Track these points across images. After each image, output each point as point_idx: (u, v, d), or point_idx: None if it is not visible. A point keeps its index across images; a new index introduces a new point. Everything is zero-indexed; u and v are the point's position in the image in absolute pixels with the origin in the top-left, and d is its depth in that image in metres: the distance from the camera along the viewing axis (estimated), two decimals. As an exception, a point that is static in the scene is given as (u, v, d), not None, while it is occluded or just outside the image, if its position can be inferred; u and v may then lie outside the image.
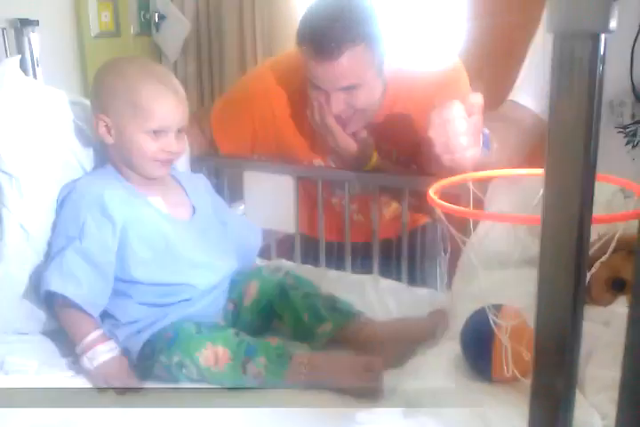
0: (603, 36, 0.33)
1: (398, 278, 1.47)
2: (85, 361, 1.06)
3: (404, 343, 1.05)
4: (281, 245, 1.72)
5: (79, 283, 1.07)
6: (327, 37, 1.19)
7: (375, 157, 1.40)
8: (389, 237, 1.59)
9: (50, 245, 1.15)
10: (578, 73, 0.33)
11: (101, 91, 1.17)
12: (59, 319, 1.12)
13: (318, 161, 1.53)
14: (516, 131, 1.21)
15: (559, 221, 0.37)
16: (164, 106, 1.12)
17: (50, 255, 1.12)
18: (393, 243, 1.59)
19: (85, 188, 1.15)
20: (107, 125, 1.15)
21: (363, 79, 1.25)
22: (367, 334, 1.10)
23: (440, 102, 1.03)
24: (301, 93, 1.41)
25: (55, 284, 1.07)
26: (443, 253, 1.71)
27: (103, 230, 1.09)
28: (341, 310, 1.14)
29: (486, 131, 1.05)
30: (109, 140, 1.16)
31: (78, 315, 1.08)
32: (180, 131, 1.16)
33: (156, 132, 1.13)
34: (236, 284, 1.21)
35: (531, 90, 1.21)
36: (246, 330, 1.11)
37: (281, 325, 1.17)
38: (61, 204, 1.16)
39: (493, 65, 2.00)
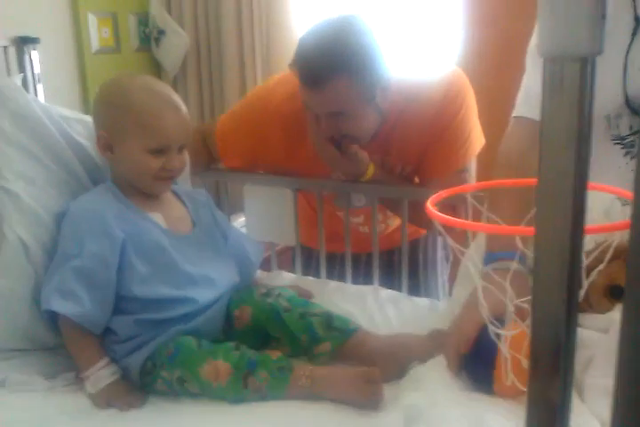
0: (592, 59, 0.34)
1: (401, 289, 1.48)
2: (88, 386, 1.06)
3: (401, 359, 1.06)
4: (282, 257, 1.74)
5: (79, 301, 1.06)
6: (313, 67, 1.23)
7: (372, 171, 1.42)
8: (394, 248, 1.60)
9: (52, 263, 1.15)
10: (568, 95, 0.35)
11: (103, 108, 1.18)
12: (63, 338, 1.12)
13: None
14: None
15: (551, 234, 0.38)
16: (166, 124, 1.13)
17: (49, 274, 1.12)
18: (396, 253, 1.60)
19: (84, 206, 1.15)
20: (108, 143, 1.16)
21: (349, 108, 1.28)
22: (366, 349, 1.10)
23: None
24: (299, 116, 1.43)
25: (55, 303, 1.06)
26: (445, 262, 1.73)
27: (103, 248, 1.09)
28: (339, 329, 1.14)
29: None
30: (110, 157, 1.18)
31: (82, 340, 1.08)
32: (181, 147, 1.17)
33: (158, 150, 1.13)
34: (231, 305, 1.21)
35: (534, 101, 1.22)
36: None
37: (278, 346, 1.17)
38: (61, 223, 1.16)
39: (495, 76, 2.02)
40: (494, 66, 2.10)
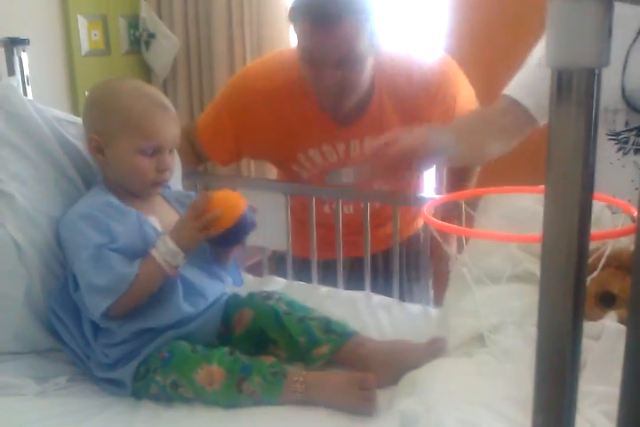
0: (599, 71, 0.35)
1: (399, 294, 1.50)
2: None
3: (398, 366, 1.06)
4: (272, 262, 1.73)
5: (132, 263, 1.06)
6: (328, 6, 1.25)
7: None
8: (388, 249, 1.61)
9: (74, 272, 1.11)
10: (576, 105, 0.36)
11: (93, 111, 1.18)
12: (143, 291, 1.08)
13: (313, 151, 1.54)
14: (497, 125, 1.25)
15: (559, 239, 0.39)
16: (156, 124, 1.13)
17: (88, 269, 1.05)
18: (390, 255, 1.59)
19: (90, 202, 1.14)
20: (99, 146, 1.16)
21: (356, 52, 1.29)
22: (363, 353, 1.10)
23: None
24: (279, 93, 1.44)
25: (129, 272, 1.04)
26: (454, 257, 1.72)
27: (131, 225, 1.10)
28: (336, 332, 1.14)
29: None
30: (102, 160, 1.17)
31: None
32: (171, 150, 1.17)
33: (150, 151, 1.13)
34: (228, 312, 1.21)
35: (525, 86, 1.23)
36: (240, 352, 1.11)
37: (276, 350, 1.17)
38: (66, 230, 1.13)
39: (481, 61, 2.03)
40: (480, 50, 2.10)
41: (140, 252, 1.08)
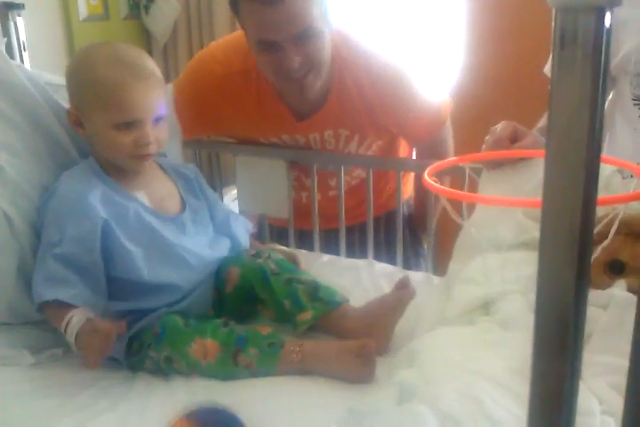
0: (608, 11, 0.31)
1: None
2: (70, 340, 1.00)
3: (384, 327, 1.06)
4: (271, 236, 1.70)
5: (71, 284, 1.02)
6: None
7: None
8: (390, 211, 1.59)
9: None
10: (582, 50, 0.31)
11: (70, 83, 1.12)
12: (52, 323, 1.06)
13: (273, 139, 1.50)
14: None
15: (562, 206, 0.35)
16: (131, 96, 1.05)
17: (36, 266, 1.07)
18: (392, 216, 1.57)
19: (65, 191, 1.09)
20: (78, 119, 1.11)
21: (314, 24, 1.21)
22: (344, 325, 1.08)
23: None
24: (236, 80, 1.39)
25: (47, 292, 1.02)
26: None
27: (83, 231, 1.04)
28: (323, 300, 1.11)
29: None
30: (83, 133, 1.13)
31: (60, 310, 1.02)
32: (157, 119, 1.10)
33: (128, 125, 1.07)
34: (218, 270, 1.18)
35: None
36: (232, 316, 1.09)
37: (264, 309, 1.15)
38: (43, 209, 1.11)
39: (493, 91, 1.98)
40: (493, 81, 2.04)
41: (82, 262, 1.04)
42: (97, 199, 1.07)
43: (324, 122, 1.42)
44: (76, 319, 0.99)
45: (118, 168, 1.14)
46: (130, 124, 1.07)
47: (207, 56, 1.47)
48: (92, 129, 1.10)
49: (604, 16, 0.31)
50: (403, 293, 1.09)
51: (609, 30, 0.32)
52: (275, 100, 1.40)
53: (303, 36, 1.22)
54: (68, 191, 1.09)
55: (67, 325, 0.99)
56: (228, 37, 1.52)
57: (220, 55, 1.43)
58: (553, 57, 0.32)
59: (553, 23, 0.32)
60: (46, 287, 1.03)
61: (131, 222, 1.09)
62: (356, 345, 0.99)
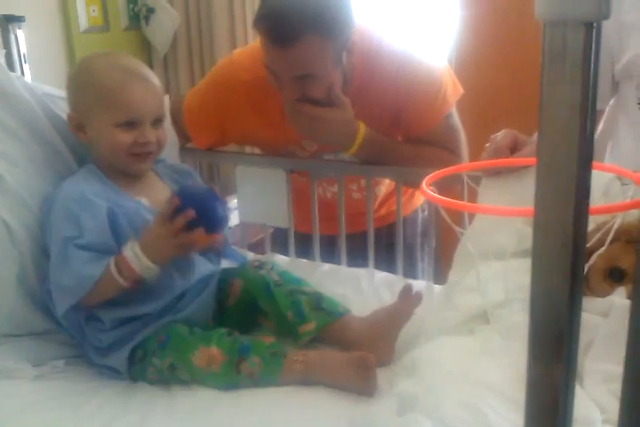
0: (597, 24, 0.31)
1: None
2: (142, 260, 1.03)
3: (387, 338, 1.05)
4: (275, 240, 1.70)
5: (100, 259, 1.03)
6: (283, 23, 1.14)
7: (363, 130, 1.33)
8: (392, 223, 1.58)
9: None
10: (571, 64, 0.32)
11: (70, 89, 1.15)
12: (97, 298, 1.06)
13: (292, 147, 1.49)
14: None
15: (554, 216, 0.35)
16: (131, 96, 1.09)
17: (57, 263, 1.05)
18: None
19: (67, 192, 1.10)
20: (79, 123, 1.13)
21: (318, 71, 1.21)
22: (349, 336, 1.08)
23: None
24: (262, 86, 1.38)
25: (93, 269, 1.02)
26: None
27: (97, 220, 1.05)
28: (326, 310, 1.11)
29: None
30: (84, 137, 1.15)
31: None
32: (157, 121, 1.13)
33: (129, 124, 1.09)
34: (221, 282, 1.18)
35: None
36: (233, 328, 1.09)
37: (266, 321, 1.16)
38: (46, 215, 1.12)
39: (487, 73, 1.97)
40: (488, 62, 2.04)
41: (109, 248, 1.05)
42: (96, 196, 1.08)
43: None
44: (128, 245, 1.03)
45: (119, 173, 1.15)
46: (130, 124, 1.09)
47: (233, 63, 1.47)
48: (92, 131, 1.12)
49: (592, 30, 0.32)
50: (408, 302, 1.08)
51: (598, 43, 0.32)
52: None
53: (303, 78, 1.22)
54: (70, 192, 1.10)
55: (123, 257, 1.03)
56: (252, 45, 1.52)
57: (245, 61, 1.43)
58: (542, 71, 0.32)
59: (542, 36, 0.32)
60: (86, 269, 1.02)
61: (134, 221, 1.09)
62: (357, 357, 0.99)
